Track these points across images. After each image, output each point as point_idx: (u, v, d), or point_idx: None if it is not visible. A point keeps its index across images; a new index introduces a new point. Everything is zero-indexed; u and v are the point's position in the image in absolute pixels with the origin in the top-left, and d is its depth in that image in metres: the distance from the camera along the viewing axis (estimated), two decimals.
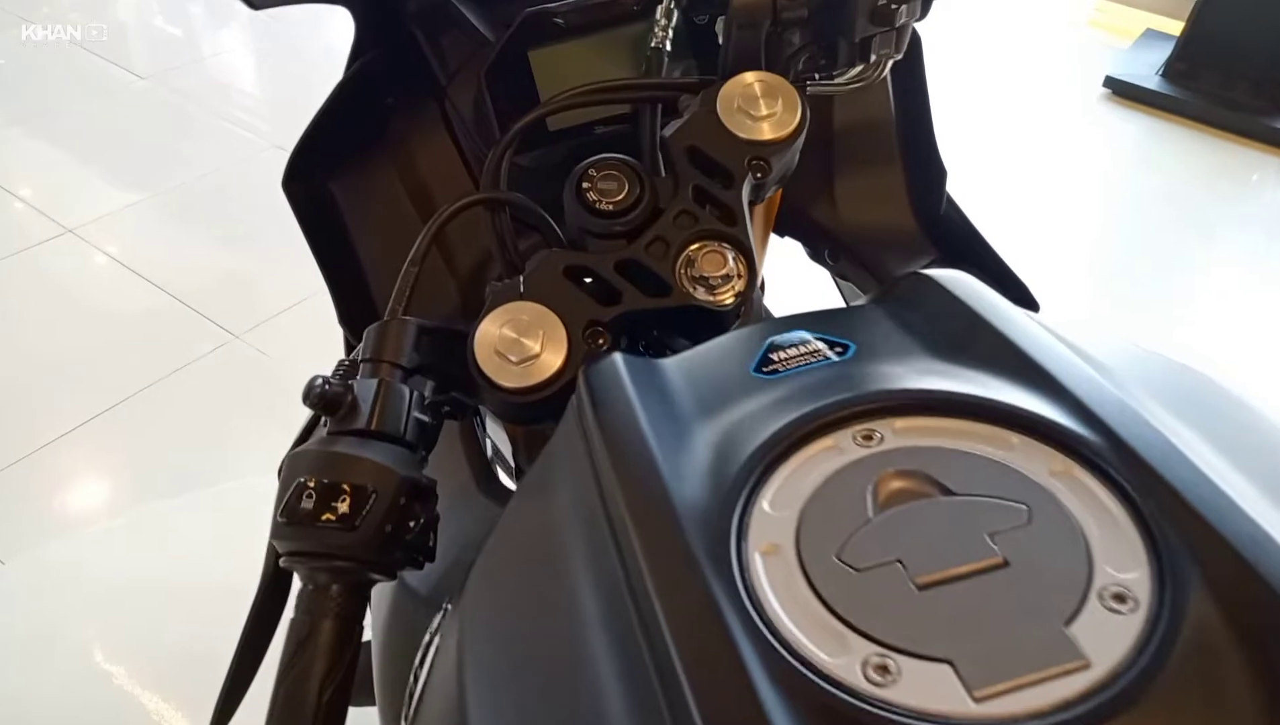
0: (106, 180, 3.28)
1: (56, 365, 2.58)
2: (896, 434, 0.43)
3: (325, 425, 0.61)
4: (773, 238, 1.01)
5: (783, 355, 0.50)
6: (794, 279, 1.25)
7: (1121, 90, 3.93)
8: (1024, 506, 0.39)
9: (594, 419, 0.47)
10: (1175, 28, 4.07)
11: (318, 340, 2.53)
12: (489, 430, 0.95)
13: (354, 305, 0.90)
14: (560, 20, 0.86)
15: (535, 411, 0.65)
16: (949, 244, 0.97)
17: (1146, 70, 3.98)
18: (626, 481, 0.42)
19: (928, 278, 0.54)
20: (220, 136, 3.52)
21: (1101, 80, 3.97)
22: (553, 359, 0.63)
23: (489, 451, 0.91)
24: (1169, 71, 3.92)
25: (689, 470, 0.42)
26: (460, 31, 0.90)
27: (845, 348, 0.49)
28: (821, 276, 1.08)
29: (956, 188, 0.98)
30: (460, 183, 0.93)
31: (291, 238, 0.92)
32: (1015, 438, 0.42)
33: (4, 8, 3.98)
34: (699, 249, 0.67)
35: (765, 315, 0.87)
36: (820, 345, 0.50)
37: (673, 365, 0.53)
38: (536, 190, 0.83)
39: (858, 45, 0.75)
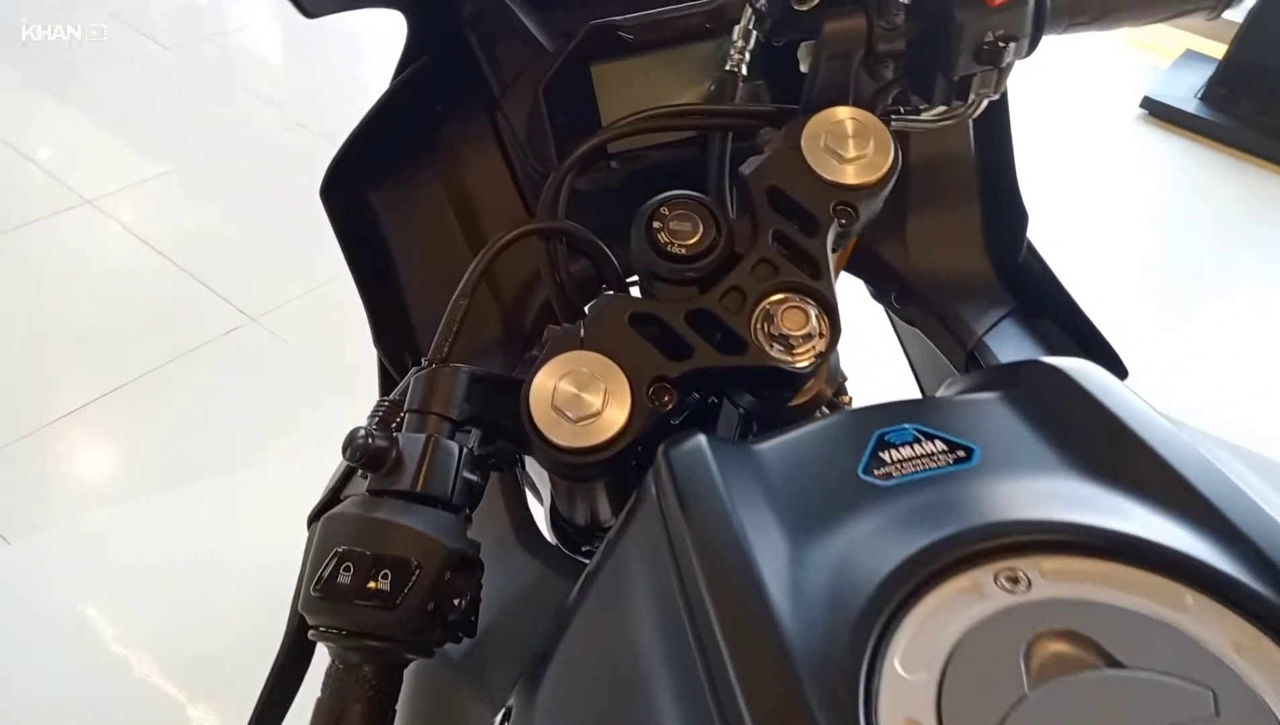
0: (128, 151, 3.23)
1: (68, 339, 2.54)
2: (1046, 578, 0.37)
3: (364, 478, 0.56)
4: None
5: (895, 455, 0.44)
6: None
7: (1159, 111, 3.86)
8: (1208, 692, 0.33)
9: (681, 518, 0.42)
10: (1216, 49, 3.99)
11: (336, 328, 2.50)
12: (528, 467, 0.89)
13: (390, 326, 0.85)
14: (627, 34, 0.80)
15: (591, 471, 0.60)
16: (1028, 295, 0.91)
17: (1185, 92, 3.90)
18: (724, 604, 0.37)
19: (1057, 371, 0.48)
20: (243, 111, 3.46)
21: (1139, 101, 3.90)
22: (615, 417, 0.58)
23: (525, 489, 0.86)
24: (1208, 95, 3.84)
25: (799, 598, 0.37)
26: (517, 39, 0.85)
27: (968, 452, 0.44)
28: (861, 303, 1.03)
29: None
30: (509, 202, 0.88)
31: (313, 220, 0.87)
32: (1190, 596, 0.36)
33: None
34: (779, 303, 0.61)
35: (841, 377, 0.80)
36: (938, 445, 0.44)
37: (766, 454, 0.47)
38: (591, 215, 0.77)
39: (955, 83, 0.69)
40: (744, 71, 0.75)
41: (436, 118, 0.87)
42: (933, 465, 0.43)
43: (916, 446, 0.44)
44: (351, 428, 0.56)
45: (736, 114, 0.74)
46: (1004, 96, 0.89)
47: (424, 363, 0.65)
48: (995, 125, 0.91)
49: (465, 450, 0.57)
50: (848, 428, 0.48)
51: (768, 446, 0.48)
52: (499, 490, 0.76)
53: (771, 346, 0.60)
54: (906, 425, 0.45)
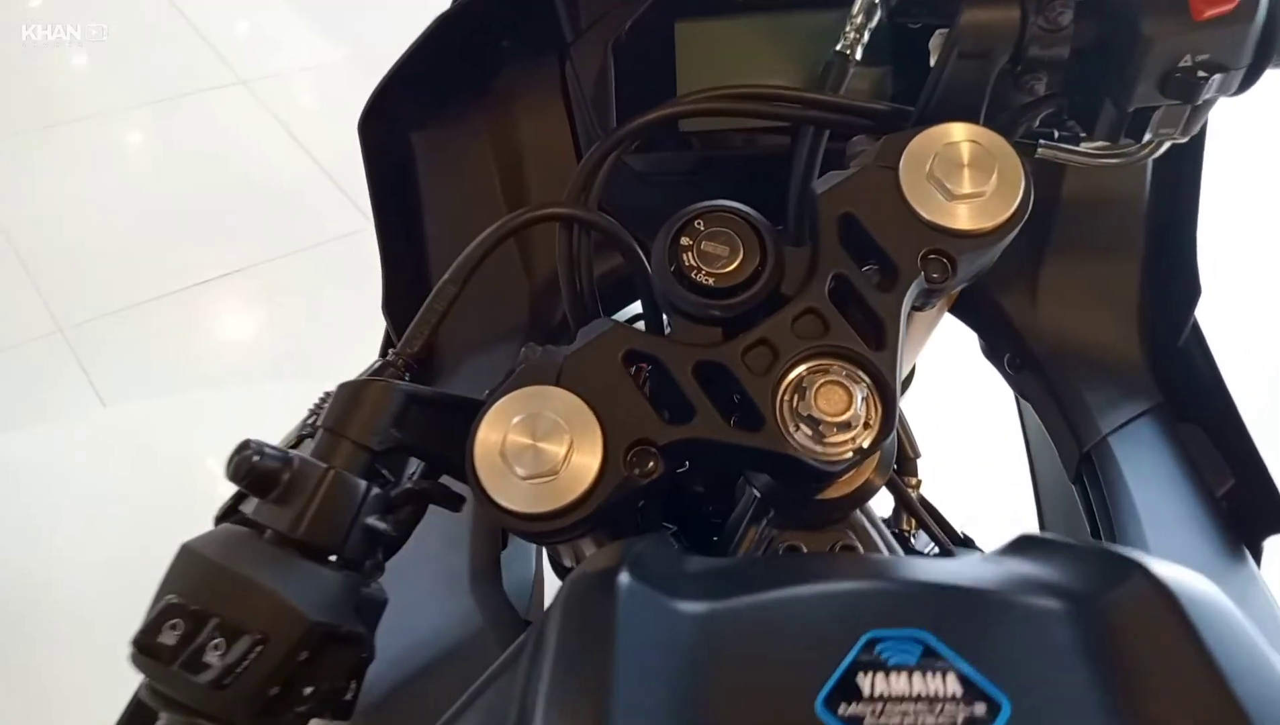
0: (291, 34, 3.23)
1: (193, 215, 2.57)
2: None
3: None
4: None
5: (880, 686, 0.29)
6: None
7: None
8: None
9: (543, 696, 0.29)
10: None
11: None
12: None
13: (405, 291, 0.74)
14: None
15: (543, 539, 0.47)
16: (1180, 389, 0.72)
17: None
18: None
19: (1162, 588, 0.32)
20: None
21: None
22: (575, 481, 0.45)
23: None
24: None
25: None
26: None
27: (993, 707, 0.28)
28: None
29: None
30: (564, 165, 0.74)
31: None
32: None
33: None
34: (817, 373, 0.46)
35: (913, 453, 0.65)
36: (948, 685, 0.29)
37: (707, 620, 0.33)
38: (650, 202, 0.63)
39: (1128, 115, 0.52)
40: (859, 55, 0.59)
41: (499, 56, 0.74)
42: (932, 723, 0.28)
43: (916, 678, 0.29)
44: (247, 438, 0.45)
45: (837, 107, 0.58)
46: (1199, 138, 0.69)
47: (388, 356, 0.53)
48: (1181, 170, 0.71)
49: (372, 492, 0.45)
50: (830, 610, 0.34)
51: (713, 610, 0.34)
52: (474, 513, 0.64)
53: (796, 429, 0.46)
54: (913, 633, 0.30)
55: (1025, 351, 0.74)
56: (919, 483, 0.67)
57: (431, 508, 0.51)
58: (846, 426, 0.45)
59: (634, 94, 0.67)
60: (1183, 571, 0.33)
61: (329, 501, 0.44)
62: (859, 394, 0.45)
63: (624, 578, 0.34)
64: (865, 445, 0.46)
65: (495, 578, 0.60)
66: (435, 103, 0.75)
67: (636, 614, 0.32)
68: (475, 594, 0.59)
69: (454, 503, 0.51)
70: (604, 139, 0.59)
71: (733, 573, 0.42)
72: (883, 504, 0.78)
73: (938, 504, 0.79)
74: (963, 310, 0.78)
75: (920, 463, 0.68)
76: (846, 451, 0.45)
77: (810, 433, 0.45)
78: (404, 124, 0.75)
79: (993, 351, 0.78)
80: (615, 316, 0.70)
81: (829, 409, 0.45)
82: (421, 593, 0.61)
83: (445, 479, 0.52)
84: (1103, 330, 0.73)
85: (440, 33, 0.71)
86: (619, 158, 0.60)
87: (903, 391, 0.90)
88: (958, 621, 0.31)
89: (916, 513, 0.62)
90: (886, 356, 0.46)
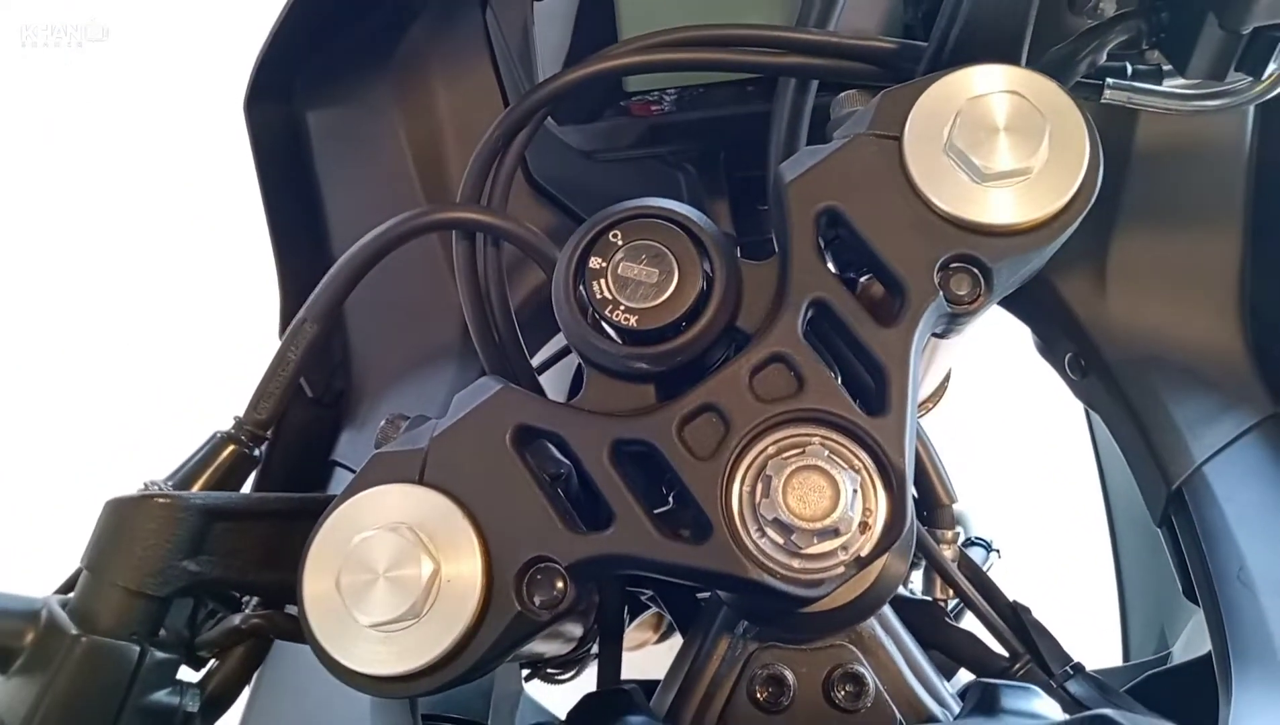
0: None
1: None
2: None
3: None
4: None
5: None
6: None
7: None
8: None
9: None
10: None
11: None
12: None
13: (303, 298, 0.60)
14: None
15: (425, 693, 0.33)
16: None
17: None
18: None
19: None
20: None
21: None
22: (444, 626, 0.32)
23: None
24: None
25: None
26: None
27: None
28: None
29: None
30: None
31: None
32: None
33: None
34: (784, 450, 0.32)
35: (950, 498, 0.50)
36: None
37: None
38: (602, 189, 0.48)
39: (1243, 40, 0.35)
40: None
41: (408, 10, 0.59)
42: None
43: None
44: None
45: (824, 48, 0.42)
46: None
47: (231, 426, 0.40)
48: None
49: (151, 658, 0.32)
50: None
51: None
52: None
53: (760, 537, 0.31)
54: None
55: (1092, 351, 0.57)
56: (955, 536, 0.52)
57: None
58: (833, 533, 0.31)
59: (571, 47, 0.52)
60: None
61: (79, 684, 0.31)
62: (848, 483, 0.31)
63: None
64: (863, 554, 0.31)
65: (405, 705, 0.47)
66: (334, 73, 0.60)
67: None
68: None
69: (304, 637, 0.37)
70: (507, 110, 0.44)
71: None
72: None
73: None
74: (1012, 300, 0.61)
75: (957, 508, 0.53)
76: (834, 566, 0.31)
77: (780, 541, 0.31)
78: (299, 102, 0.60)
79: (1049, 349, 0.61)
80: (551, 349, 0.56)
81: (804, 509, 0.31)
82: (307, 708, 0.48)
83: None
84: (1193, 323, 0.56)
85: None
86: (534, 133, 0.45)
87: (932, 405, 0.74)
88: None
89: (956, 585, 0.48)
90: (890, 422, 0.32)
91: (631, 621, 0.64)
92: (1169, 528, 0.53)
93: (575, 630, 0.48)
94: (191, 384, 2.37)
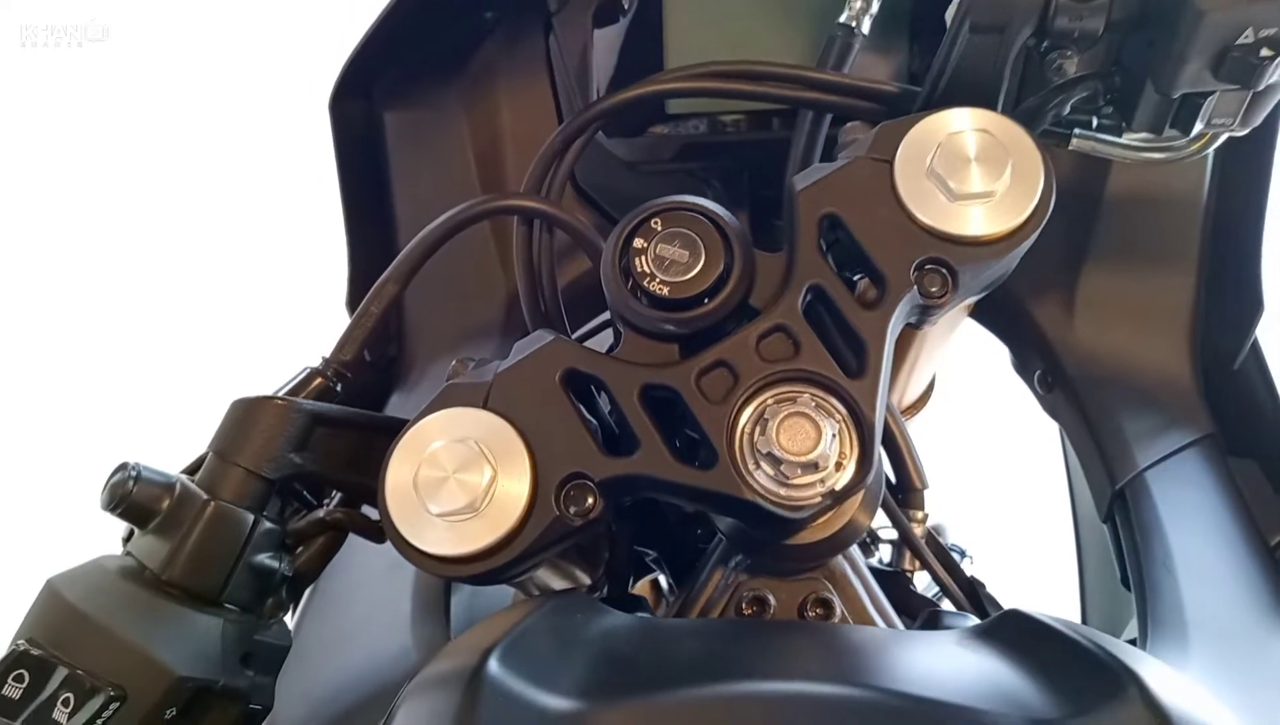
0: None
1: None
2: None
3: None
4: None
5: None
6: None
7: None
8: None
9: None
10: None
11: None
12: None
13: (369, 283, 0.68)
14: None
15: (477, 580, 0.41)
16: (1235, 418, 0.63)
17: None
18: None
19: (1159, 714, 0.25)
20: None
21: None
22: (497, 520, 0.39)
23: None
24: None
25: None
26: None
27: None
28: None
29: None
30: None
31: None
32: None
33: None
34: (781, 401, 0.39)
35: (919, 485, 0.57)
36: None
37: None
38: (639, 194, 0.56)
39: (1175, 103, 0.43)
40: (865, 27, 0.52)
41: (479, 29, 0.68)
42: None
43: None
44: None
45: (839, 87, 0.51)
46: (1271, 134, 0.60)
47: (320, 363, 0.48)
48: (1246, 166, 0.62)
49: (260, 526, 0.40)
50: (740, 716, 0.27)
51: (583, 714, 0.28)
52: None
53: (755, 468, 0.39)
54: None
55: (1058, 369, 0.65)
56: (925, 517, 0.59)
57: None
58: (813, 467, 0.38)
59: (621, 68, 0.60)
60: (1191, 693, 0.26)
61: (208, 538, 0.38)
62: (829, 429, 0.38)
63: (493, 667, 0.28)
64: (837, 488, 0.39)
65: (440, 612, 0.55)
66: (411, 79, 0.69)
67: (493, 714, 0.26)
68: (415, 633, 0.53)
69: (376, 534, 0.45)
70: (569, 121, 0.52)
71: (634, 654, 0.35)
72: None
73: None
74: (990, 319, 0.70)
75: (928, 494, 0.61)
76: (813, 496, 0.38)
77: (771, 473, 0.39)
78: (377, 102, 0.69)
79: (1023, 366, 0.69)
80: (590, 324, 0.64)
81: (792, 446, 0.38)
82: (355, 625, 0.55)
83: (369, 507, 0.46)
84: (1148, 348, 0.64)
85: (407, 9, 0.64)
86: (590, 141, 0.53)
87: (918, 409, 0.82)
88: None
89: (920, 553, 0.55)
90: (866, 384, 0.39)
91: (635, 582, 0.71)
92: (1112, 523, 0.60)
93: (585, 579, 0.55)
94: (189, 384, 2.42)
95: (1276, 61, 0.40)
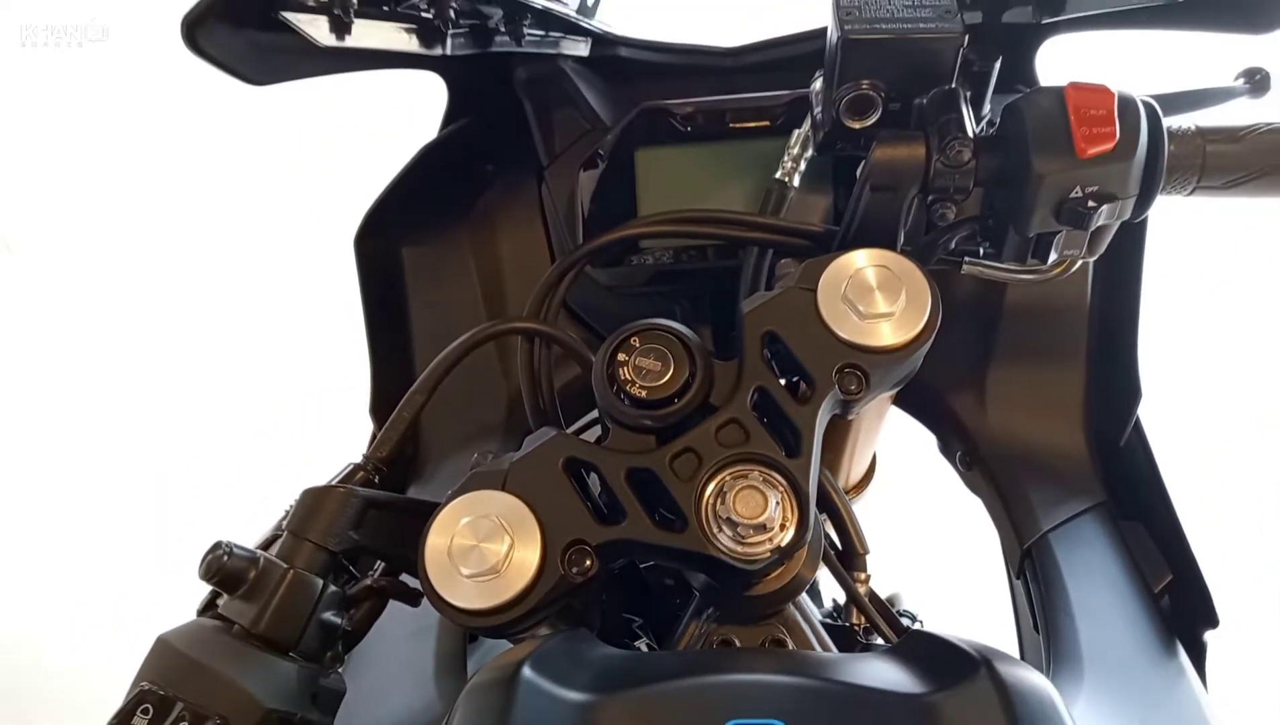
0: None
1: None
2: None
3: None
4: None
5: None
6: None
7: None
8: None
9: None
10: None
11: None
12: None
13: (390, 393, 0.79)
14: (680, 122, 0.71)
15: (496, 632, 0.51)
16: (1123, 488, 0.75)
17: None
18: None
19: (1001, 686, 0.35)
20: None
21: None
22: (514, 579, 0.49)
23: None
24: None
25: None
26: (574, 108, 0.77)
27: None
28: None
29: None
30: (540, 277, 0.80)
31: None
32: None
33: None
34: (736, 477, 0.50)
35: (860, 550, 0.68)
36: None
37: (588, 709, 0.37)
38: (616, 310, 0.68)
39: (1031, 240, 0.56)
40: (796, 181, 0.65)
41: (482, 179, 0.81)
42: None
43: None
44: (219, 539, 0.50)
45: (777, 228, 0.63)
46: (1138, 246, 0.74)
47: (361, 459, 0.59)
48: (1121, 275, 0.76)
49: (328, 589, 0.50)
50: (703, 700, 0.37)
51: (599, 700, 0.38)
52: None
53: (719, 530, 0.50)
54: (769, 723, 0.34)
55: (975, 450, 0.77)
56: (869, 577, 0.70)
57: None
58: (763, 528, 0.49)
59: (600, 213, 0.73)
60: (1027, 673, 0.37)
61: (288, 599, 0.48)
62: (774, 498, 0.49)
63: (526, 671, 0.38)
64: (783, 545, 0.50)
65: (459, 669, 0.64)
66: (424, 221, 0.81)
67: (530, 703, 0.36)
68: (439, 686, 0.63)
69: (412, 598, 0.55)
70: (562, 259, 0.64)
71: (630, 666, 0.46)
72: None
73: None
74: (918, 411, 0.82)
75: (870, 558, 0.72)
76: (764, 552, 0.49)
77: (731, 534, 0.49)
78: (395, 240, 0.81)
79: (946, 449, 0.82)
80: (582, 420, 0.75)
81: (746, 512, 0.49)
82: (388, 683, 0.65)
83: (407, 576, 0.56)
84: (1048, 431, 0.76)
85: (428, 158, 0.78)
86: (580, 273, 0.65)
87: (862, 489, 0.94)
88: (811, 713, 0.35)
89: (861, 605, 0.66)
90: (802, 462, 0.51)
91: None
92: (1023, 578, 0.72)
93: None
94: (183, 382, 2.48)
95: (1100, 209, 0.54)
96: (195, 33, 0.50)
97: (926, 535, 1.69)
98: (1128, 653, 0.64)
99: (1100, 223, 0.54)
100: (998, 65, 0.58)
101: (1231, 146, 0.56)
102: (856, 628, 0.71)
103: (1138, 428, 0.75)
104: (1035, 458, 0.75)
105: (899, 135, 0.56)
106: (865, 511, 0.83)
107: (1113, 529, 0.72)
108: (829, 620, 0.71)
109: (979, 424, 0.77)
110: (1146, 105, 0.55)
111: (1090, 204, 0.53)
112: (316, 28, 0.54)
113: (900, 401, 0.81)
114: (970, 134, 0.55)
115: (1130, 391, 0.75)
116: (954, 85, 0.56)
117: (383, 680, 0.65)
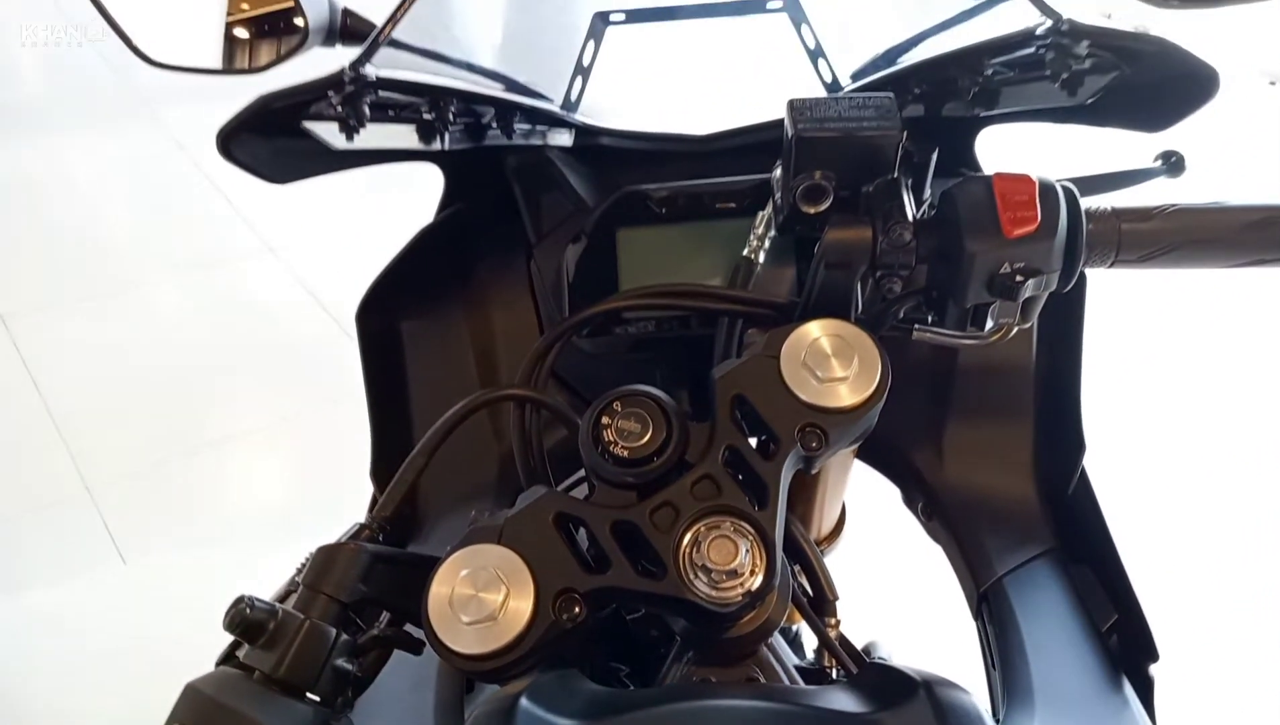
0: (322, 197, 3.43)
1: (224, 374, 2.73)
2: None
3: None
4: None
5: None
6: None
7: None
8: None
9: None
10: None
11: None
12: None
13: (390, 457, 0.85)
14: (657, 204, 0.78)
15: (493, 676, 0.56)
16: (1071, 535, 0.81)
17: None
18: None
19: (939, 707, 0.41)
20: None
21: None
22: (510, 625, 0.54)
23: None
24: None
25: None
26: (560, 192, 0.85)
27: None
28: None
29: None
30: (530, 348, 0.87)
31: None
32: None
33: None
34: (710, 528, 0.56)
35: (831, 596, 0.73)
36: None
37: None
38: (600, 376, 0.74)
39: (969, 310, 0.63)
40: (762, 258, 0.72)
41: (475, 257, 0.87)
42: None
43: None
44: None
45: (745, 301, 0.70)
46: (1078, 308, 0.81)
47: (366, 519, 0.64)
48: (1063, 337, 0.82)
49: (340, 638, 0.55)
50: (672, 723, 0.43)
51: None
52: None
53: (695, 577, 0.55)
54: None
55: (935, 501, 0.84)
56: (839, 622, 0.75)
57: (404, 654, 0.61)
58: (735, 574, 0.55)
59: (584, 288, 0.80)
60: (960, 694, 0.42)
61: (305, 647, 0.53)
62: (744, 546, 0.55)
63: (523, 702, 0.43)
64: (753, 589, 0.55)
65: (456, 717, 0.69)
66: (422, 297, 0.87)
67: None
68: None
69: (415, 647, 0.60)
70: (551, 330, 0.71)
71: (615, 698, 0.51)
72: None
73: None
74: (883, 466, 0.88)
75: (839, 604, 0.77)
76: (736, 596, 0.55)
77: (706, 580, 0.55)
78: (395, 314, 0.88)
79: (909, 501, 0.88)
80: (570, 479, 0.81)
81: (719, 559, 0.55)
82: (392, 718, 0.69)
83: (410, 626, 0.61)
84: (1001, 483, 0.83)
85: (425, 239, 0.84)
86: (567, 343, 0.71)
87: (833, 540, 0.99)
88: None
89: (834, 650, 0.71)
90: (769, 513, 0.56)
91: None
92: (980, 619, 0.77)
93: None
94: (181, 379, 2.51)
95: (1028, 283, 0.60)
96: (230, 144, 0.57)
97: (900, 583, 1.74)
98: (1077, 687, 0.69)
99: (1029, 294, 0.61)
100: (935, 156, 0.65)
101: (1145, 225, 0.63)
102: (829, 669, 0.76)
103: (1083, 477, 0.81)
104: (990, 507, 0.81)
105: (848, 220, 0.63)
106: (837, 562, 0.88)
107: (1063, 573, 0.78)
108: (806, 664, 0.76)
109: (937, 477, 0.83)
110: (1065, 190, 0.62)
111: (1019, 278, 0.60)
112: (333, 133, 0.60)
113: (866, 457, 0.87)
114: (910, 218, 0.62)
115: (1076, 444, 0.81)
116: (896, 175, 0.63)
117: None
